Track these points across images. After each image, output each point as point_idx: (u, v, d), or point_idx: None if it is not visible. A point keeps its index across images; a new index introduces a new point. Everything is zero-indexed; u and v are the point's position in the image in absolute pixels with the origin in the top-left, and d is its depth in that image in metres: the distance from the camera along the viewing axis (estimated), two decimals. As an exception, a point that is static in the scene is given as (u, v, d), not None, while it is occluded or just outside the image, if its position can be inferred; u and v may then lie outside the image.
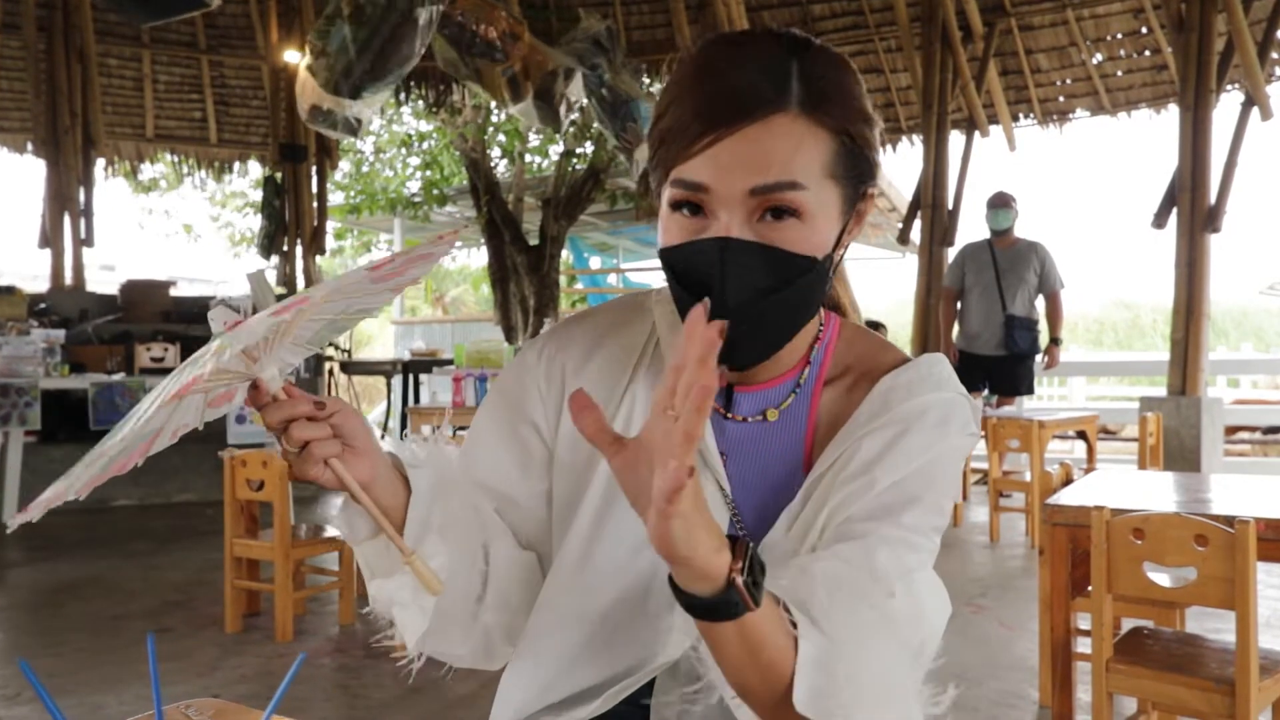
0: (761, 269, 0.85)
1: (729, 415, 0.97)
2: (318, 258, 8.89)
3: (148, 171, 10.83)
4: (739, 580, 0.70)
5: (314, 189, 8.84)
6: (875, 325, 5.95)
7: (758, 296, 0.85)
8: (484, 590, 0.96)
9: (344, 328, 0.92)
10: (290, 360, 0.83)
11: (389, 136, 12.48)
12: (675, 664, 0.95)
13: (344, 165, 12.60)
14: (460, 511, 0.93)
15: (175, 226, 15.82)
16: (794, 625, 0.77)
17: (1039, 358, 6.18)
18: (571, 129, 8.49)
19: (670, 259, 0.88)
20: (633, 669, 0.96)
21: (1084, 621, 2.52)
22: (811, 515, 0.91)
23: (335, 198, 12.49)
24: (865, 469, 0.89)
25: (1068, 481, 2.66)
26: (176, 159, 9.42)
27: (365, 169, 12.56)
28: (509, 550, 0.99)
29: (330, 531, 4.00)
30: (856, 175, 0.89)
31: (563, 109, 6.37)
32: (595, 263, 15.92)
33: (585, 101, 6.67)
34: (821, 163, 0.86)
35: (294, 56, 7.90)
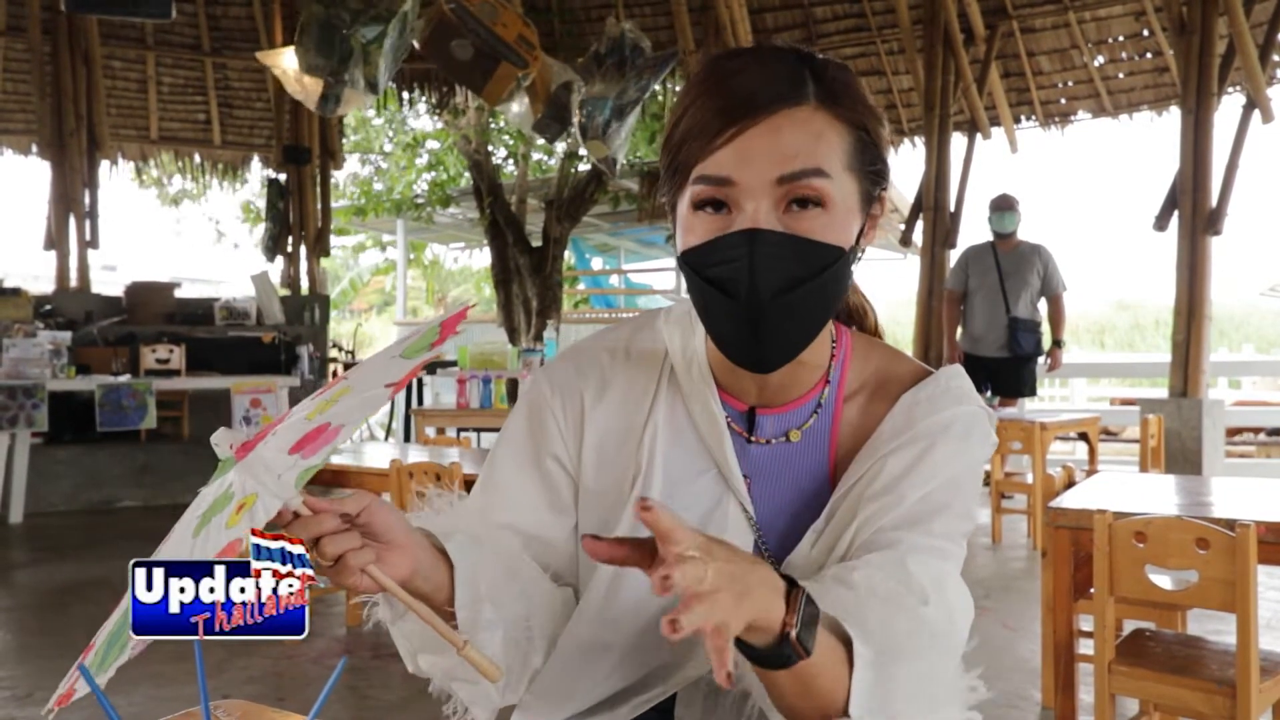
0: (792, 258, 0.84)
1: (752, 439, 0.97)
2: (321, 259, 8.91)
3: (164, 178, 10.86)
4: (792, 634, 0.71)
5: (318, 190, 8.86)
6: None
7: (790, 286, 0.85)
8: (532, 640, 0.95)
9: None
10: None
11: (398, 140, 12.51)
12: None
13: (361, 165, 12.65)
14: (503, 572, 0.91)
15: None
16: (847, 644, 0.77)
17: (1042, 360, 6.20)
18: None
19: (695, 259, 0.87)
20: (657, 682, 0.97)
21: (1086, 623, 2.53)
22: (837, 531, 0.91)
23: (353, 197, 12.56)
24: (892, 485, 0.90)
25: (1070, 484, 2.67)
26: (181, 162, 9.43)
27: (386, 167, 12.59)
28: (548, 591, 0.98)
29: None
30: (873, 172, 0.90)
31: (575, 123, 6.40)
32: (598, 264, 15.92)
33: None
34: (841, 154, 0.87)
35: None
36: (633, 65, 6.50)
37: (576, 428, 1.00)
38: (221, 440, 0.76)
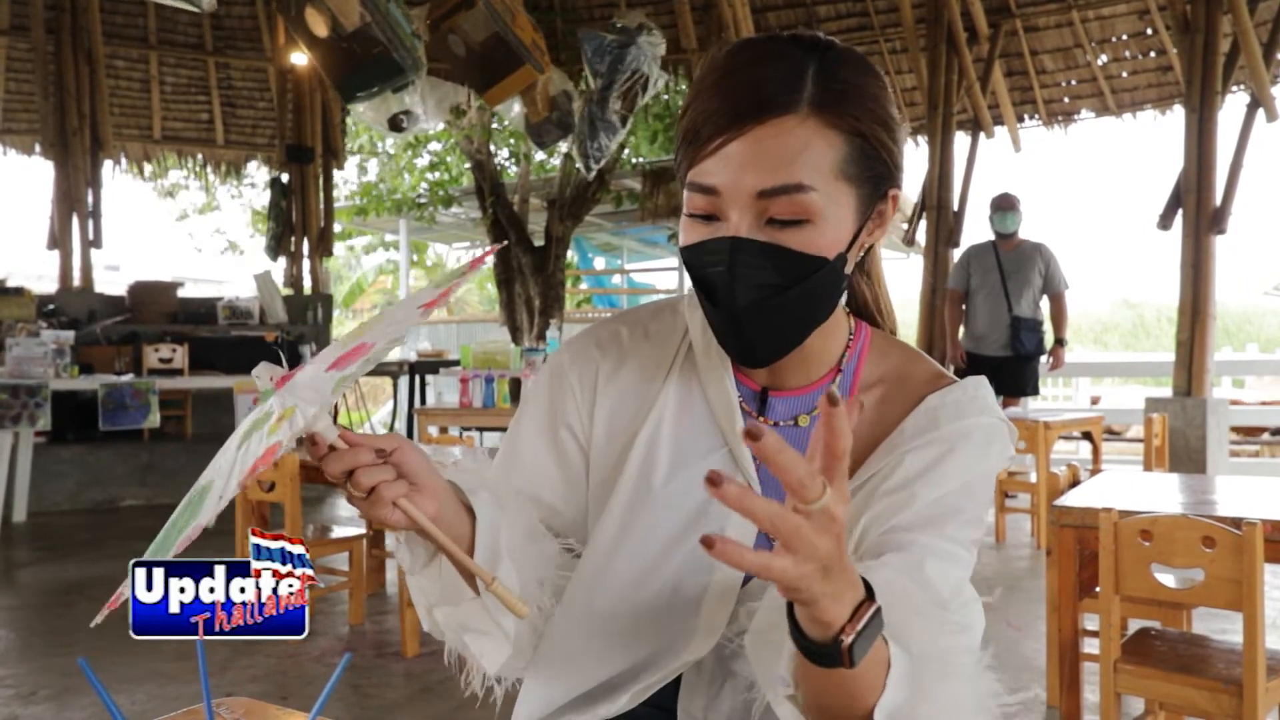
0: (770, 268, 0.87)
1: (762, 420, 0.98)
2: (324, 260, 8.91)
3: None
4: (845, 642, 0.69)
5: (321, 190, 8.86)
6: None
7: (767, 295, 0.88)
8: (547, 606, 0.96)
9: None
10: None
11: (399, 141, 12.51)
12: (700, 663, 0.96)
13: (371, 165, 12.66)
14: (523, 533, 0.93)
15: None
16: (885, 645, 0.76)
17: (1044, 359, 6.19)
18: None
19: (688, 258, 0.91)
20: (657, 665, 0.96)
21: (1091, 622, 2.52)
22: (847, 524, 0.89)
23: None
24: (907, 483, 0.91)
25: (1075, 483, 2.66)
26: (184, 161, 9.43)
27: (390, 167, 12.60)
28: (565, 560, 0.99)
29: (338, 532, 4.01)
30: (874, 177, 0.90)
31: (577, 130, 6.44)
32: (600, 263, 15.91)
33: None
34: (832, 164, 0.86)
35: (300, 59, 7.92)
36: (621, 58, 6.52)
37: (590, 400, 1.02)
38: (262, 373, 0.79)
